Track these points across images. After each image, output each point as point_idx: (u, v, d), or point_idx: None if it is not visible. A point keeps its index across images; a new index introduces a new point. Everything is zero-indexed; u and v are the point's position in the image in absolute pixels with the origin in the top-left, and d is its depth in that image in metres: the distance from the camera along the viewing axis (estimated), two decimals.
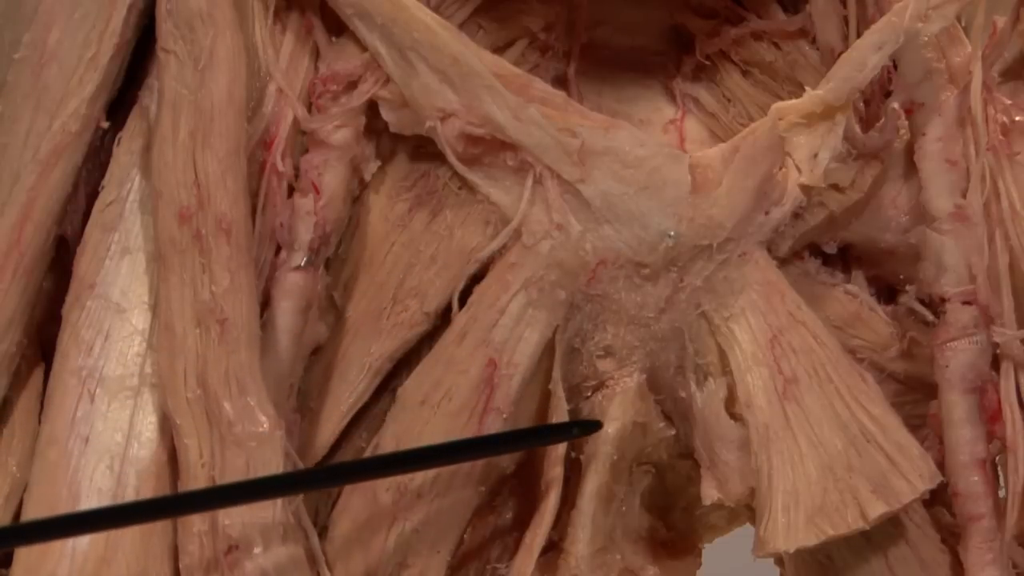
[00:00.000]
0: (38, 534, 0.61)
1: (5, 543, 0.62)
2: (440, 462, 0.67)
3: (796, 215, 0.71)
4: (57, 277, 0.69)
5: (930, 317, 0.72)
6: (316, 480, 0.66)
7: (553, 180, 0.68)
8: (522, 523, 0.72)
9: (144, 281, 0.67)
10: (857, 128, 0.71)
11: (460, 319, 0.69)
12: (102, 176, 0.69)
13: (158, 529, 0.65)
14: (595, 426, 0.70)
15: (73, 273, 0.68)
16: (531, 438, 0.70)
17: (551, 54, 0.73)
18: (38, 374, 0.68)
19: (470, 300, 0.70)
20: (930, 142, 0.71)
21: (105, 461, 0.65)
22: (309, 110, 0.69)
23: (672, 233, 0.69)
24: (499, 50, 0.72)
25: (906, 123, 0.72)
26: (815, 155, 0.70)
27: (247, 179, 0.66)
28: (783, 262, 0.72)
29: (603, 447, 0.70)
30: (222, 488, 0.62)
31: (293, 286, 0.68)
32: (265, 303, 0.67)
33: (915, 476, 0.69)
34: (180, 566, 0.64)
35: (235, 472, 0.64)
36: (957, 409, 0.71)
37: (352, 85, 0.69)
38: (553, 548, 0.71)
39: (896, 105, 0.71)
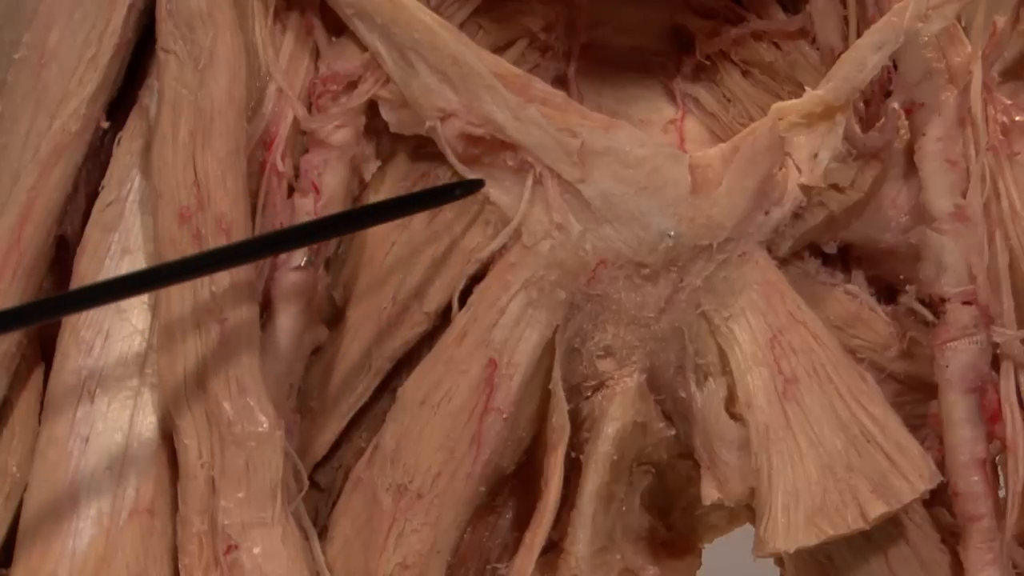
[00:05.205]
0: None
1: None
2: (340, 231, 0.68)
3: (796, 215, 0.71)
4: (57, 277, 0.69)
5: (930, 317, 0.72)
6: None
7: (553, 180, 0.68)
8: (522, 523, 0.71)
9: None
10: (857, 128, 0.71)
11: (460, 319, 0.69)
12: (102, 176, 0.69)
13: (158, 530, 0.65)
14: (477, 184, 0.68)
15: (73, 273, 0.68)
16: (417, 202, 0.69)
17: (551, 54, 0.73)
18: (38, 374, 0.68)
19: (470, 300, 0.70)
20: (930, 142, 0.71)
21: (105, 461, 0.65)
22: (309, 110, 0.69)
23: (672, 233, 0.69)
24: (499, 50, 0.72)
25: (906, 123, 0.72)
26: (815, 155, 0.70)
27: (247, 179, 0.66)
28: (783, 262, 0.72)
29: (603, 447, 0.70)
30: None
31: (293, 286, 0.68)
32: (265, 303, 0.67)
33: (915, 476, 0.69)
34: (180, 566, 0.65)
35: (235, 472, 0.64)
36: (957, 409, 0.71)
37: (352, 85, 0.69)
38: (553, 548, 0.71)
39: (896, 105, 0.71)
